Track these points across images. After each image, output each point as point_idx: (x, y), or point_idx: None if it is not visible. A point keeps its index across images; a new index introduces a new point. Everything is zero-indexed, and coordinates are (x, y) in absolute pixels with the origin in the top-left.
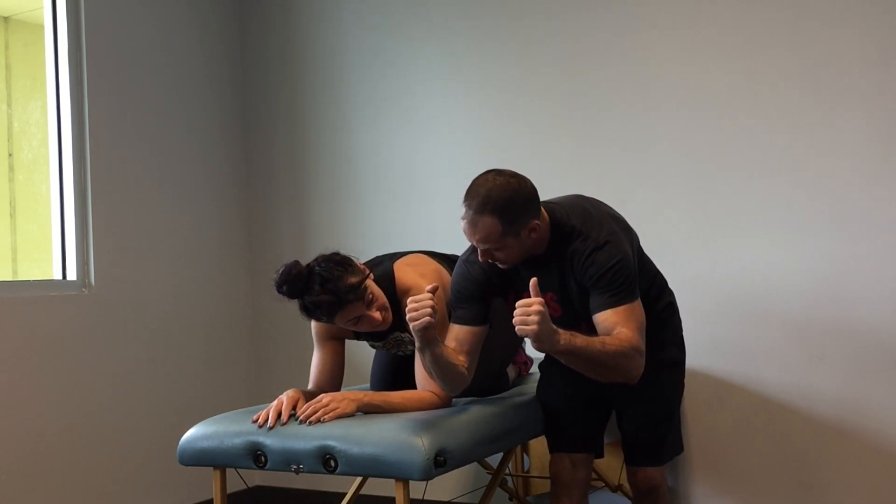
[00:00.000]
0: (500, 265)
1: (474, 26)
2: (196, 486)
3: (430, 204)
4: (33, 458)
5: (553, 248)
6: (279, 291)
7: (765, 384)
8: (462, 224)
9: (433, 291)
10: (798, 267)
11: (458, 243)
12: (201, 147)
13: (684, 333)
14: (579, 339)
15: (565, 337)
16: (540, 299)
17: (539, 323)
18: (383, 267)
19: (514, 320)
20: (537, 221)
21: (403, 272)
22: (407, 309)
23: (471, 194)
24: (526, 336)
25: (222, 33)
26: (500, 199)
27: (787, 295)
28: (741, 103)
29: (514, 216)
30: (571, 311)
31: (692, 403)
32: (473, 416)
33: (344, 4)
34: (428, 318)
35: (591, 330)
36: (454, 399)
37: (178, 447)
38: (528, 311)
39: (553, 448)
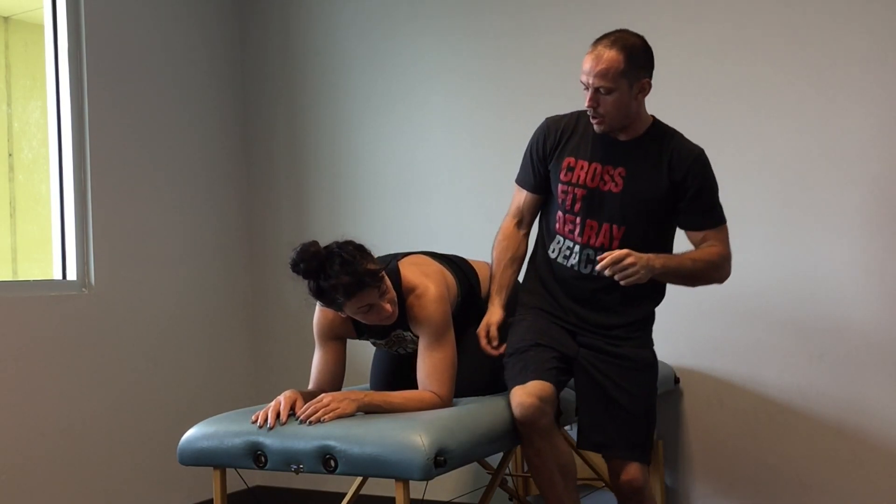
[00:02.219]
0: (596, 122)
1: (474, 26)
2: (196, 486)
3: (429, 204)
4: (33, 457)
5: (647, 138)
6: (295, 270)
7: (765, 384)
8: (585, 59)
9: None
10: (798, 267)
11: (458, 243)
12: (201, 147)
13: (684, 333)
14: (673, 262)
15: (659, 262)
16: (627, 252)
17: (640, 270)
18: (390, 266)
19: (617, 276)
20: (649, 80)
21: (409, 270)
22: None
23: (604, 35)
24: (637, 282)
25: (222, 33)
26: (632, 43)
27: (787, 295)
28: (741, 102)
29: (638, 63)
30: (630, 191)
31: (692, 403)
32: (473, 416)
33: (344, 4)
34: None
35: (628, 209)
36: (454, 399)
37: (178, 447)
38: (624, 265)
39: (511, 383)
